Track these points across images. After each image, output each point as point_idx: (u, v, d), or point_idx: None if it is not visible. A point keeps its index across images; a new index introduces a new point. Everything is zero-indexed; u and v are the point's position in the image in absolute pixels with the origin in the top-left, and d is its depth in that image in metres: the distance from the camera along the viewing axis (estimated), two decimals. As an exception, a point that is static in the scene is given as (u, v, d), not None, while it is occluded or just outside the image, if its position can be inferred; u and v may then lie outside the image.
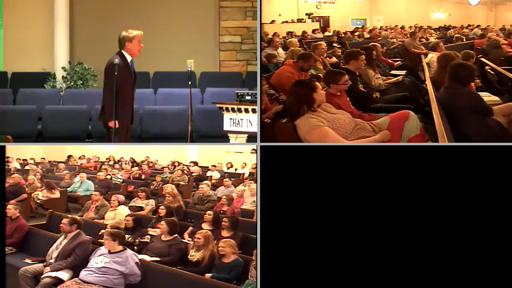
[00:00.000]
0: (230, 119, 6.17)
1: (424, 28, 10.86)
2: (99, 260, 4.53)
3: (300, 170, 4.14)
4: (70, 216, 5.21)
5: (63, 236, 4.95)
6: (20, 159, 8.57)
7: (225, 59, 10.05)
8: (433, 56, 7.34)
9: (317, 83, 4.49)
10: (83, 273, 4.49)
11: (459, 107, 4.51)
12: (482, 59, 7.16)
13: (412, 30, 10.43)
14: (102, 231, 5.10)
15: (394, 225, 4.08)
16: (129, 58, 5.58)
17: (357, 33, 10.83)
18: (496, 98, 5.60)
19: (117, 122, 5.42)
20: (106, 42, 6.31)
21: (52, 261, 4.74)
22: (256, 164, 4.22)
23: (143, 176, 8.88)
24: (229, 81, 9.32)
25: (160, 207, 6.11)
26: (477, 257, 4.03)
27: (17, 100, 8.87)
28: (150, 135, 8.20)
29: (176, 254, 4.94)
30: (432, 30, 10.92)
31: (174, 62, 9.53)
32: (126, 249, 4.63)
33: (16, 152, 8.28)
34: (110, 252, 4.56)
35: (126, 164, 9.44)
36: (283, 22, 10.41)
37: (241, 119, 6.11)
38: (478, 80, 6.09)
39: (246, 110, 6.09)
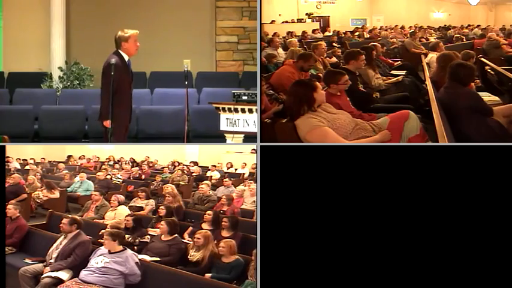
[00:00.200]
0: (226, 119, 6.17)
1: (424, 28, 10.85)
2: (99, 260, 4.53)
3: (300, 170, 4.14)
4: (70, 216, 5.21)
5: (63, 236, 4.95)
6: (20, 159, 8.56)
7: (221, 59, 10.04)
8: (433, 56, 7.34)
9: (317, 83, 4.49)
10: (83, 273, 4.49)
11: (459, 107, 4.51)
12: (482, 59, 7.16)
13: (412, 30, 10.43)
14: (102, 231, 5.10)
15: (394, 225, 4.08)
16: (126, 57, 5.58)
17: (357, 33, 10.83)
18: (496, 98, 5.60)
19: (110, 121, 5.42)
20: (102, 42, 6.32)
21: (52, 261, 4.74)
22: (256, 164, 4.22)
23: (143, 176, 8.87)
24: (225, 81, 9.32)
25: (160, 207, 6.11)
26: (477, 257, 4.03)
27: (13, 100, 8.85)
28: (146, 135, 8.19)
29: (176, 254, 4.94)
30: (432, 30, 10.92)
31: (170, 62, 9.52)
32: (126, 249, 4.63)
33: (16, 152, 8.28)
34: (110, 252, 4.56)
35: (126, 164, 9.44)
36: (283, 22, 10.41)
37: (238, 119, 6.11)
38: (478, 80, 6.09)
39: (243, 110, 6.09)
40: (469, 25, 10.85)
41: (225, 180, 7.63)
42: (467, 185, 4.05)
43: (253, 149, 4.52)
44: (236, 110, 6.12)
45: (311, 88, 4.35)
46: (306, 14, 10.85)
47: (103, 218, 6.40)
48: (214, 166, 8.88)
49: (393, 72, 7.51)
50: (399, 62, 8.41)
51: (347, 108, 4.84)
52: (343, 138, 4.30)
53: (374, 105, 5.71)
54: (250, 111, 6.04)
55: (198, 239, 4.84)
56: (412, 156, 4.11)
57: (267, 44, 7.80)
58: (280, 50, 7.93)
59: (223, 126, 6.20)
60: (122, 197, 6.87)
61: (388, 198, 4.09)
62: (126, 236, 5.16)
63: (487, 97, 5.45)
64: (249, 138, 6.07)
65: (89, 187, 7.53)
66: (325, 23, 11.03)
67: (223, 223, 5.35)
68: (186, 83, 6.27)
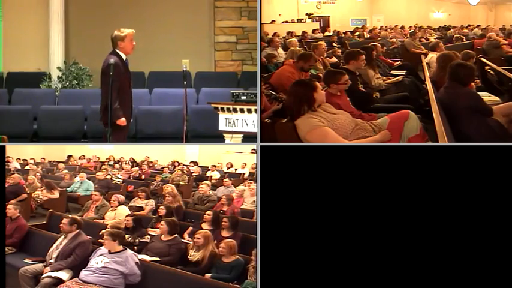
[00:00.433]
0: (225, 119, 6.17)
1: (424, 28, 10.85)
2: (99, 260, 4.53)
3: (300, 170, 4.14)
4: (70, 216, 5.21)
5: (63, 236, 4.95)
6: (20, 159, 8.56)
7: (220, 59, 10.05)
8: (433, 56, 7.34)
9: (317, 83, 4.49)
10: (83, 273, 4.49)
11: (459, 107, 4.51)
12: (482, 59, 7.16)
13: (412, 30, 10.43)
14: (102, 231, 5.09)
15: (394, 225, 4.08)
16: (124, 57, 5.59)
17: (357, 33, 10.83)
18: (496, 98, 5.60)
19: (125, 119, 5.44)
20: (101, 42, 6.31)
21: (52, 261, 4.74)
22: (256, 164, 4.22)
23: (143, 176, 8.87)
24: (224, 81, 9.32)
25: (160, 207, 6.11)
26: (477, 257, 4.03)
27: (12, 100, 8.85)
28: (145, 135, 8.19)
29: (176, 254, 4.94)
30: (432, 30, 10.91)
31: (169, 62, 9.52)
32: (126, 249, 4.63)
33: (16, 152, 8.28)
34: (110, 252, 4.56)
35: (126, 164, 9.44)
36: (283, 22, 10.40)
37: (237, 119, 6.12)
38: (478, 80, 6.09)
39: (242, 110, 6.09)
40: (469, 25, 10.85)
41: (225, 180, 7.63)
42: (467, 185, 4.05)
43: (253, 149, 4.52)
44: (235, 110, 6.12)
45: (311, 88, 4.35)
46: (306, 14, 10.85)
47: (103, 218, 6.40)
48: (214, 166, 8.88)
49: (393, 72, 7.51)
50: (399, 62, 8.41)
51: (347, 108, 4.84)
52: (343, 138, 4.30)
53: (374, 105, 5.71)
54: (249, 111, 6.04)
55: (198, 239, 4.84)
56: (412, 156, 4.11)
57: (267, 44, 7.80)
58: (280, 50, 7.93)
59: (222, 126, 6.20)
60: (122, 197, 6.87)
61: (388, 198, 4.09)
62: (126, 236, 5.16)
63: (487, 97, 5.45)
64: (248, 138, 6.07)
65: (89, 187, 7.53)
66: (325, 23, 11.03)
67: (223, 223, 5.35)
68: (185, 83, 6.27)
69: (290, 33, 9.67)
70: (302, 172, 4.13)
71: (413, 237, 4.07)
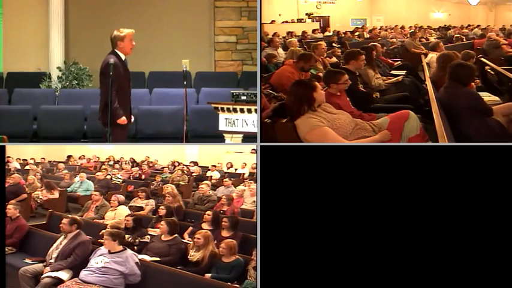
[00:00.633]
0: (225, 119, 6.17)
1: (424, 28, 10.85)
2: (99, 260, 4.53)
3: (300, 170, 4.14)
4: (70, 216, 5.21)
5: (63, 236, 4.95)
6: (20, 159, 8.56)
7: (220, 59, 10.05)
8: (433, 56, 7.34)
9: (316, 83, 4.49)
10: (83, 273, 4.49)
11: (459, 107, 4.51)
12: (482, 59, 7.16)
13: (412, 30, 10.43)
14: (102, 231, 5.09)
15: (394, 225, 4.08)
16: (123, 57, 5.59)
17: (357, 33, 10.83)
18: (496, 98, 5.60)
19: (125, 118, 5.44)
20: (101, 42, 6.30)
21: (52, 261, 4.74)
22: (256, 164, 4.22)
23: (143, 176, 8.88)
24: (224, 81, 9.32)
25: (160, 207, 6.11)
26: (477, 257, 4.03)
27: (12, 100, 8.85)
28: (145, 135, 8.19)
29: (176, 254, 4.94)
30: (432, 30, 10.92)
31: (169, 62, 9.53)
32: (126, 249, 4.63)
33: (16, 152, 8.28)
34: (110, 252, 4.56)
35: (126, 164, 9.44)
36: (283, 22, 10.41)
37: (237, 119, 6.12)
38: (478, 80, 6.09)
39: (242, 110, 6.09)
40: (469, 25, 10.85)
41: (225, 180, 7.63)
42: (467, 185, 4.05)
43: (253, 149, 4.52)
44: (235, 110, 6.12)
45: (311, 88, 4.35)
46: (306, 14, 10.86)
47: (103, 218, 6.40)
48: (214, 166, 8.88)
49: (393, 72, 7.51)
50: (399, 62, 8.41)
51: (347, 108, 4.84)
52: (343, 138, 4.30)
53: (374, 105, 5.70)
54: (249, 111, 6.04)
55: (198, 239, 4.84)
56: (412, 156, 4.11)
57: (267, 44, 7.81)
58: (280, 50, 7.93)
59: (222, 126, 6.20)
60: (122, 197, 6.87)
61: (388, 198, 4.09)
62: (126, 236, 5.16)
63: (487, 97, 5.45)
64: (248, 138, 6.07)
65: (89, 187, 7.53)
66: (325, 23, 11.03)
67: (223, 223, 5.35)
68: (185, 83, 6.27)
69: (290, 33, 9.68)
70: (302, 172, 4.13)
71: (414, 237, 4.07)
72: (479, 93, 5.19)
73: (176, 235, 5.16)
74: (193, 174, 8.67)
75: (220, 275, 4.54)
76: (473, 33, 10.31)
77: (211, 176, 8.48)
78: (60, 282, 4.49)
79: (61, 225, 5.00)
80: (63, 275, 4.57)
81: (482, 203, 4.04)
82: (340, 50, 8.47)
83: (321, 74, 6.16)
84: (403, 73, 7.27)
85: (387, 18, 11.51)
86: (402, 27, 11.04)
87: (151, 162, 9.64)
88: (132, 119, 5.77)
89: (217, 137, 6.39)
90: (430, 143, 4.35)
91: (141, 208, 6.72)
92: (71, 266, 4.64)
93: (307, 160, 4.14)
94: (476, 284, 4.03)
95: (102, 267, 4.46)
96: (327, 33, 10.76)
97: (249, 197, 6.79)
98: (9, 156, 7.69)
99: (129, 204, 6.82)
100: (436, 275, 4.06)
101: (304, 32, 10.04)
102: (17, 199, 6.08)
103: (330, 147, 4.17)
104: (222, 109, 6.19)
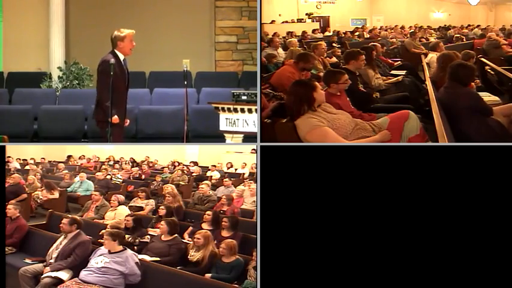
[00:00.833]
0: (226, 118, 6.16)
1: (424, 28, 10.85)
2: (99, 260, 4.53)
3: (300, 170, 4.14)
4: (70, 216, 5.21)
5: (63, 236, 4.95)
6: (20, 159, 8.56)
7: (220, 59, 10.05)
8: (433, 56, 7.34)
9: (316, 82, 4.49)
10: (83, 273, 4.49)
11: (459, 107, 4.51)
12: (482, 59, 7.16)
13: (412, 30, 10.43)
14: (102, 231, 5.09)
15: (394, 225, 4.08)
16: (121, 57, 5.60)
17: (357, 33, 10.83)
18: (496, 98, 5.60)
19: (117, 117, 5.45)
20: (102, 42, 6.31)
21: (52, 261, 4.75)
22: (256, 164, 4.22)
23: (143, 176, 8.87)
24: (224, 81, 9.32)
25: (160, 207, 6.11)
26: (477, 257, 4.03)
27: (12, 100, 8.85)
28: (145, 135, 8.19)
29: (176, 254, 4.94)
30: (432, 30, 10.91)
31: (169, 62, 9.52)
32: (126, 249, 4.63)
33: (16, 152, 8.28)
34: (110, 252, 4.56)
35: (126, 164, 9.44)
36: (283, 22, 10.40)
37: (237, 119, 6.11)
38: (478, 80, 6.09)
39: (242, 110, 6.09)
40: (469, 25, 10.85)
41: (225, 180, 7.63)
42: (467, 185, 4.05)
43: (253, 149, 4.52)
44: (235, 110, 6.12)
45: (311, 88, 4.35)
46: (306, 14, 10.85)
47: (103, 218, 6.40)
48: (214, 166, 8.88)
49: (393, 72, 7.51)
50: (399, 62, 8.41)
51: (347, 108, 4.84)
52: (343, 138, 4.30)
53: (374, 105, 5.70)
54: (250, 111, 6.04)
55: (198, 239, 4.84)
56: (412, 156, 4.11)
57: (267, 44, 7.80)
58: (280, 50, 7.93)
59: (223, 126, 6.20)
60: (122, 197, 6.87)
61: (388, 198, 4.09)
62: (126, 236, 5.16)
63: (487, 97, 5.45)
64: (248, 138, 6.07)
65: (89, 187, 7.54)
66: (325, 23, 11.03)
67: (223, 223, 5.35)
68: (186, 82, 6.27)
69: (290, 33, 9.67)
70: (302, 172, 4.13)
71: (414, 237, 4.07)
72: (479, 93, 5.19)
73: (176, 235, 5.16)
74: (193, 174, 8.67)
75: (220, 275, 4.54)
76: (473, 33, 10.31)
77: (211, 176, 8.48)
78: (60, 282, 4.49)
79: (61, 225, 5.00)
80: (63, 275, 4.57)
81: (482, 203, 4.04)
82: (340, 50, 8.46)
83: (321, 74, 6.16)
84: (403, 73, 7.27)
85: (387, 18, 11.50)
86: (402, 27, 11.03)
87: (151, 162, 9.64)
88: (128, 123, 5.75)
89: (218, 137, 6.39)
90: (430, 143, 4.35)
91: (141, 208, 6.72)
92: (71, 266, 4.65)
93: (307, 160, 4.14)
94: (476, 284, 4.03)
95: (102, 267, 4.47)
96: (327, 33, 10.75)
97: (249, 197, 6.79)
98: (9, 156, 7.69)
99: (129, 204, 6.82)
100: (436, 274, 4.06)
101: (304, 32, 10.04)
102: (17, 199, 6.08)
103: (330, 147, 4.17)
104: (223, 109, 6.19)
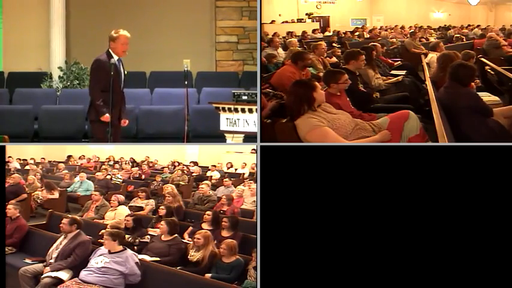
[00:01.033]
0: (227, 118, 6.16)
1: (424, 28, 10.85)
2: (99, 260, 4.53)
3: (300, 170, 4.14)
4: (70, 216, 5.21)
5: (63, 236, 4.95)
6: (20, 159, 8.57)
7: (221, 59, 10.04)
8: (433, 56, 7.34)
9: (316, 82, 4.49)
10: (83, 273, 4.49)
11: (459, 107, 4.51)
12: (482, 59, 7.16)
13: (412, 30, 10.43)
14: (102, 231, 5.10)
15: (394, 225, 4.08)
16: (116, 57, 5.60)
17: (357, 33, 10.83)
18: (496, 98, 5.61)
19: (108, 115, 5.46)
20: (102, 42, 6.30)
21: (52, 261, 4.74)
22: (256, 164, 4.22)
23: (143, 176, 8.88)
24: (225, 81, 9.31)
25: (160, 207, 6.11)
26: (477, 257, 4.03)
27: (13, 100, 8.84)
28: (146, 135, 8.18)
29: (176, 254, 4.94)
30: (432, 30, 10.91)
31: (170, 62, 9.51)
32: (126, 249, 4.63)
33: (16, 152, 8.28)
34: (110, 252, 4.56)
35: (126, 164, 9.45)
36: (283, 22, 10.41)
37: (238, 119, 6.11)
38: (478, 80, 6.09)
39: (243, 110, 6.09)
40: (469, 25, 10.85)
41: (225, 180, 7.63)
42: (467, 185, 4.05)
43: (253, 149, 4.52)
44: (236, 110, 6.12)
45: (310, 88, 4.35)
46: (306, 14, 10.86)
47: (103, 218, 6.40)
48: (214, 166, 8.89)
49: (393, 72, 7.51)
50: (399, 62, 8.41)
51: (347, 108, 4.84)
52: (343, 138, 4.30)
53: (374, 105, 5.70)
54: (250, 111, 6.04)
55: (198, 239, 4.84)
56: (412, 156, 4.11)
57: (267, 44, 7.81)
58: (280, 50, 7.93)
59: (223, 126, 6.19)
60: (122, 197, 6.87)
61: (388, 198, 4.09)
62: (126, 236, 5.16)
63: (487, 97, 5.45)
64: (249, 138, 6.07)
65: (89, 187, 7.54)
66: (325, 23, 11.03)
67: (223, 223, 5.35)
68: (186, 82, 6.27)
69: (290, 33, 9.68)
70: (302, 172, 4.13)
71: (414, 237, 4.07)
72: (479, 93, 5.19)
73: (176, 235, 5.16)
74: (193, 174, 8.67)
75: (220, 275, 4.54)
76: (473, 33, 10.31)
77: (211, 176, 8.48)
78: (60, 282, 4.49)
79: (61, 225, 5.00)
80: (63, 275, 4.57)
81: (482, 203, 4.04)
82: (340, 50, 8.46)
83: (321, 74, 6.16)
84: (403, 73, 7.27)
85: (387, 18, 11.51)
86: (402, 27, 11.04)
87: (151, 162, 9.65)
88: (127, 123, 5.75)
89: (218, 137, 6.38)
90: (430, 143, 4.35)
91: (141, 208, 6.72)
92: (71, 266, 4.64)
93: (307, 160, 4.14)
94: (476, 283, 4.03)
95: (102, 267, 4.47)
96: (327, 33, 10.76)
97: (249, 197, 6.79)
98: (10, 156, 7.70)
99: (129, 204, 6.82)
100: (436, 274, 4.06)
101: (304, 32, 10.05)
102: (17, 199, 6.09)
103: (330, 147, 4.17)
104: (223, 109, 6.19)
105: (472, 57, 5.98)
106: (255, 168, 4.30)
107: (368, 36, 10.71)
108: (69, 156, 9.76)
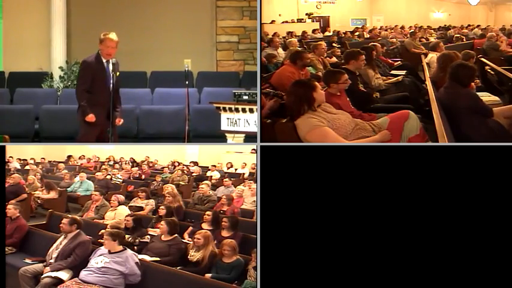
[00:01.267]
0: (227, 118, 6.16)
1: (424, 28, 10.85)
2: (99, 260, 4.53)
3: (300, 170, 4.14)
4: (70, 216, 5.21)
5: (63, 236, 4.95)
6: (20, 159, 8.57)
7: (222, 59, 10.03)
8: (433, 56, 7.34)
9: (316, 82, 4.49)
10: (83, 273, 4.49)
11: (459, 107, 4.51)
12: (482, 59, 7.17)
13: (412, 30, 10.43)
14: (102, 231, 5.10)
15: (394, 225, 4.08)
16: (104, 58, 5.61)
17: (357, 33, 10.83)
18: (496, 98, 5.61)
19: (93, 116, 5.48)
20: (103, 42, 6.33)
21: (52, 261, 4.74)
22: (256, 164, 4.22)
23: (143, 176, 8.88)
24: (226, 81, 9.30)
25: (160, 207, 6.12)
26: (477, 257, 4.03)
27: (14, 100, 8.84)
28: (146, 135, 8.18)
29: (176, 254, 4.94)
30: (432, 30, 10.92)
31: (171, 62, 9.51)
32: (126, 249, 4.63)
33: (16, 152, 8.28)
34: (110, 252, 4.56)
35: (126, 164, 9.45)
36: (283, 22, 10.41)
37: (239, 119, 6.11)
38: (478, 80, 6.09)
39: (243, 110, 6.09)
40: (469, 25, 10.85)
41: (225, 180, 7.64)
42: (467, 185, 4.05)
43: (253, 149, 4.52)
44: (237, 110, 6.12)
45: (310, 88, 4.35)
46: (306, 14, 10.86)
47: (103, 218, 6.40)
48: (214, 166, 8.89)
49: (393, 72, 7.51)
50: (399, 62, 8.41)
51: (347, 108, 4.84)
52: (343, 138, 4.30)
53: (374, 105, 5.70)
54: (251, 111, 6.04)
55: (198, 239, 4.84)
56: (412, 156, 4.12)
57: (267, 44, 7.81)
58: (280, 50, 7.93)
59: (224, 126, 6.19)
60: (122, 197, 6.87)
61: (388, 198, 4.09)
62: (126, 236, 5.16)
63: (487, 97, 5.45)
64: (250, 138, 6.07)
65: (89, 187, 7.54)
66: (325, 23, 11.03)
67: (223, 223, 5.35)
68: (187, 82, 6.28)
69: (290, 33, 9.68)
70: (302, 172, 4.13)
71: (414, 237, 4.07)
72: (479, 93, 5.19)
73: (176, 235, 5.16)
74: (193, 174, 8.68)
75: (220, 275, 4.54)
76: (473, 33, 10.31)
77: (211, 176, 8.48)
78: (60, 282, 4.49)
79: (61, 225, 5.00)
80: (63, 275, 4.57)
81: (482, 203, 4.04)
82: (340, 50, 8.47)
83: (320, 74, 6.16)
84: (403, 73, 7.27)
85: (387, 18, 11.51)
86: (402, 27, 11.04)
87: (151, 162, 9.65)
88: (121, 122, 5.75)
89: (219, 137, 6.38)
90: (430, 143, 4.35)
91: (141, 208, 6.72)
92: (71, 266, 4.64)
93: (307, 160, 4.14)
94: (476, 283, 4.03)
95: (102, 267, 4.47)
96: (327, 33, 10.76)
97: (249, 197, 6.79)
98: (10, 156, 7.70)
99: (129, 204, 6.82)
100: (436, 274, 4.06)
101: (304, 32, 10.05)
102: (17, 199, 6.09)
103: (330, 147, 4.17)
104: (224, 109, 6.19)
105: (472, 57, 5.98)
106: (255, 168, 4.30)
107: (368, 36, 10.72)
108: (69, 156, 9.76)
